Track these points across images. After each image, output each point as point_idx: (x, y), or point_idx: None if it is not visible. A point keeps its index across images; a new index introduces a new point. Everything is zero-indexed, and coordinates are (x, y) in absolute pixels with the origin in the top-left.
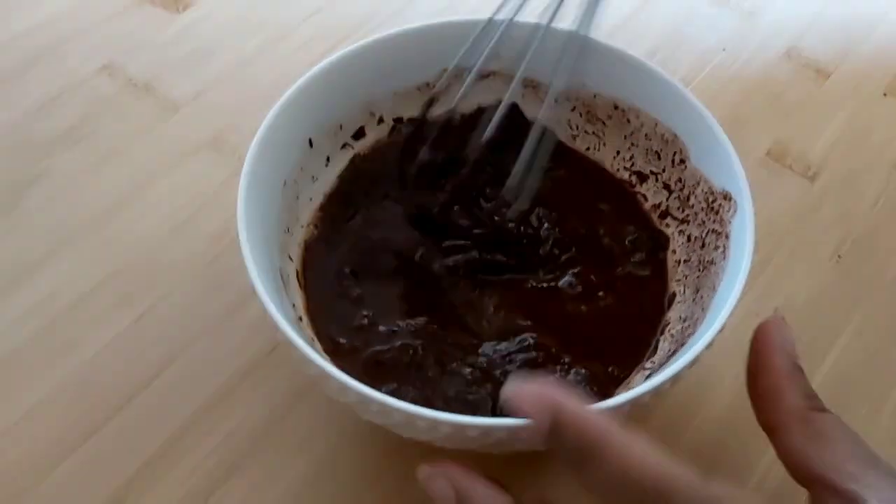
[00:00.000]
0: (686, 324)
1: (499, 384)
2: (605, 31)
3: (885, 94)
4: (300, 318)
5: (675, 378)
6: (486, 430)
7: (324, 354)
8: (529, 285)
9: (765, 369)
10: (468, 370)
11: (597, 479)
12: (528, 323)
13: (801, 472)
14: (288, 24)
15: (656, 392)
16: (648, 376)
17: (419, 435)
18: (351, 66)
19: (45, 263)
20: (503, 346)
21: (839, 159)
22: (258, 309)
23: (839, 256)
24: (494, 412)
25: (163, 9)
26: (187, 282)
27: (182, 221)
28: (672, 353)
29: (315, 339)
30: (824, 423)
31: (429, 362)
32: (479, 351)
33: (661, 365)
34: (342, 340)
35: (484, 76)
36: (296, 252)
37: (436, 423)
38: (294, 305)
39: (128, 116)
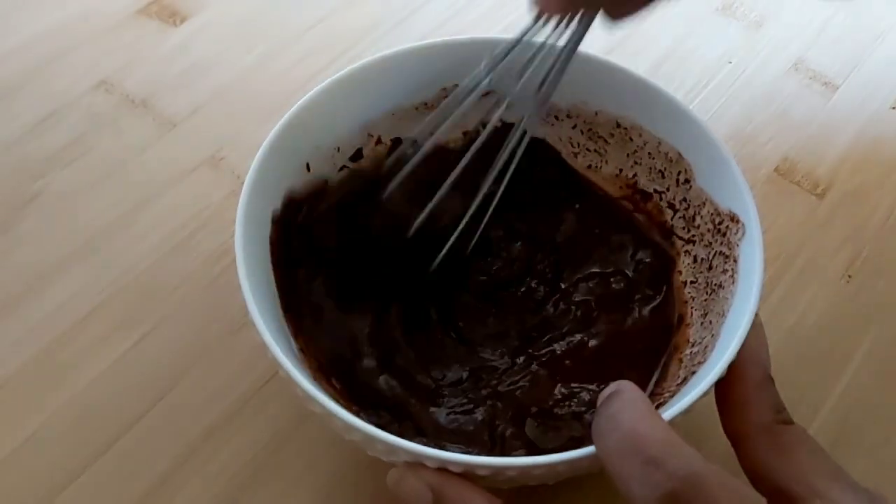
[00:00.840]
0: (695, 349)
1: (494, 411)
2: (608, 44)
3: (893, 108)
4: (302, 350)
5: (688, 410)
6: (497, 469)
7: (326, 389)
8: (532, 308)
9: (735, 378)
10: (463, 397)
11: None
12: (530, 346)
13: (765, 485)
14: (288, 35)
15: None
16: (659, 404)
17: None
18: (347, 89)
19: (41, 286)
20: (505, 370)
21: (848, 175)
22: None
23: (849, 276)
24: (493, 444)
25: (159, 22)
26: (187, 303)
27: (180, 242)
28: (683, 381)
29: (313, 368)
30: (790, 437)
31: (420, 390)
32: (480, 376)
33: (672, 394)
34: (335, 368)
35: (483, 94)
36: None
37: (445, 463)
38: (294, 337)
39: (125, 134)
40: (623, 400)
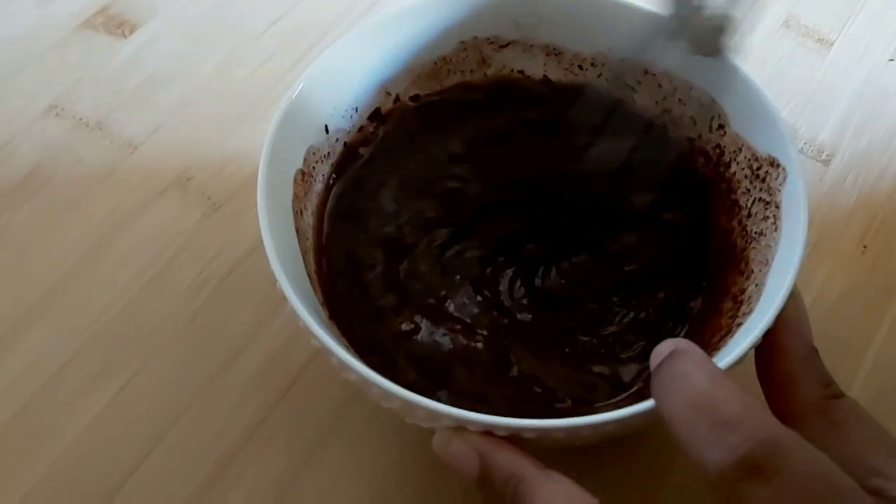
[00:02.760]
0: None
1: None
2: None
3: (891, 60)
4: (331, 317)
5: (740, 360)
6: (544, 431)
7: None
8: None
9: (778, 353)
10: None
11: None
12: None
13: None
14: (248, 35)
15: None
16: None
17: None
18: (364, 45)
19: (6, 343)
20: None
21: (852, 138)
22: (254, 363)
23: (865, 247)
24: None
25: (107, 34)
26: (169, 343)
27: (154, 275)
28: (728, 333)
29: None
30: (842, 413)
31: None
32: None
33: (718, 348)
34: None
35: (503, 46)
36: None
37: (490, 427)
38: (323, 304)
39: (83, 161)
40: (690, 360)
